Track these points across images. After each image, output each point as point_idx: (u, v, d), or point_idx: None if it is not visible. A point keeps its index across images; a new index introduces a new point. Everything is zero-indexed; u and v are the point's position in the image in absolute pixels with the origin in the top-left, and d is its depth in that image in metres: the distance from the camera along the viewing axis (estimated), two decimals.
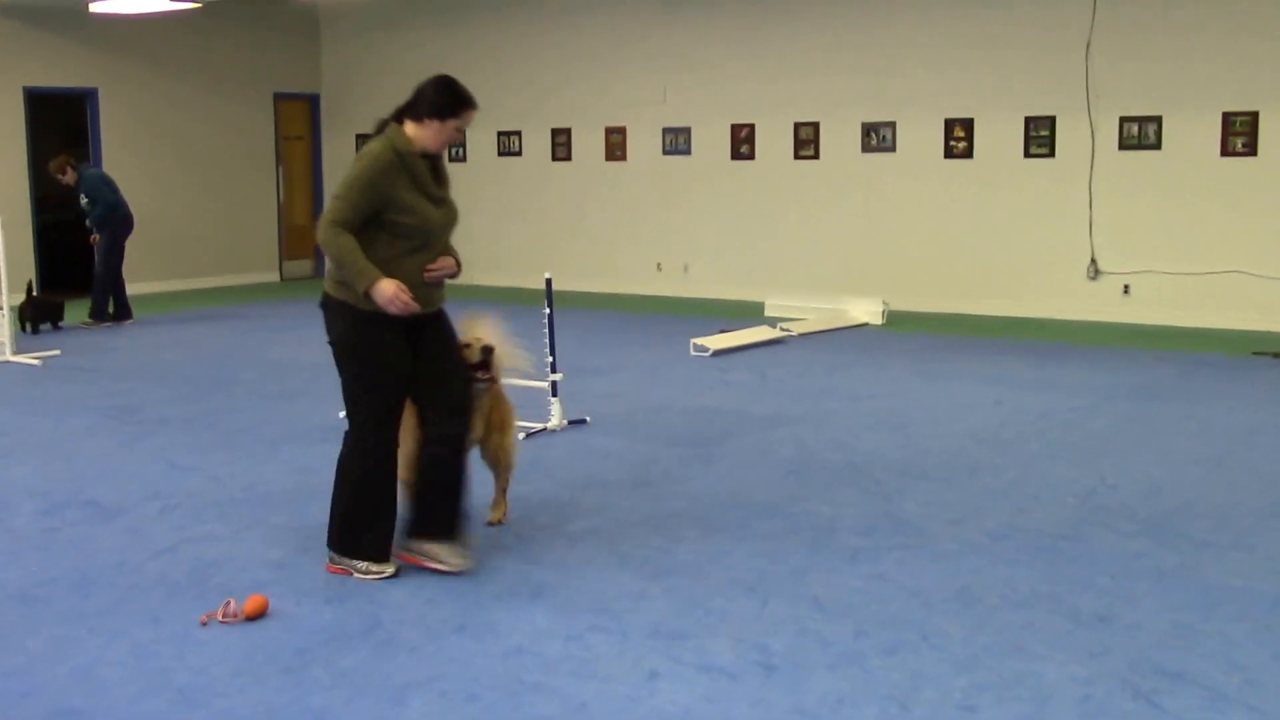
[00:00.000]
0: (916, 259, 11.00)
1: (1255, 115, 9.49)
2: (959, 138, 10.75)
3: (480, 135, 13.52)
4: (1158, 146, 9.90)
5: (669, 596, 3.97)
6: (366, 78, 14.23)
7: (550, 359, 6.37)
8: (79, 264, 12.89)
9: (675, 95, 12.12)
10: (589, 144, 12.73)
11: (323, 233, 4.04)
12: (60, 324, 10.49)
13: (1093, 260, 10.27)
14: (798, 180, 11.58)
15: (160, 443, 6.26)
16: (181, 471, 5.67)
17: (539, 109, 13.04)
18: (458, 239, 4.42)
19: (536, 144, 13.14)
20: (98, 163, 12.81)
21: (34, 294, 10.79)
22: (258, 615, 3.82)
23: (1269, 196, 9.50)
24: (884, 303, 10.41)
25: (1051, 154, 10.35)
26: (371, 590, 4.07)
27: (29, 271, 11.97)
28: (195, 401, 7.33)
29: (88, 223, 10.68)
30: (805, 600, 3.93)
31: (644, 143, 12.36)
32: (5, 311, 8.94)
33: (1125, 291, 10.17)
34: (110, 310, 10.73)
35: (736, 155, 11.89)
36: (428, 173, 4.13)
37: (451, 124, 4.14)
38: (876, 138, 11.15)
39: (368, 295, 3.98)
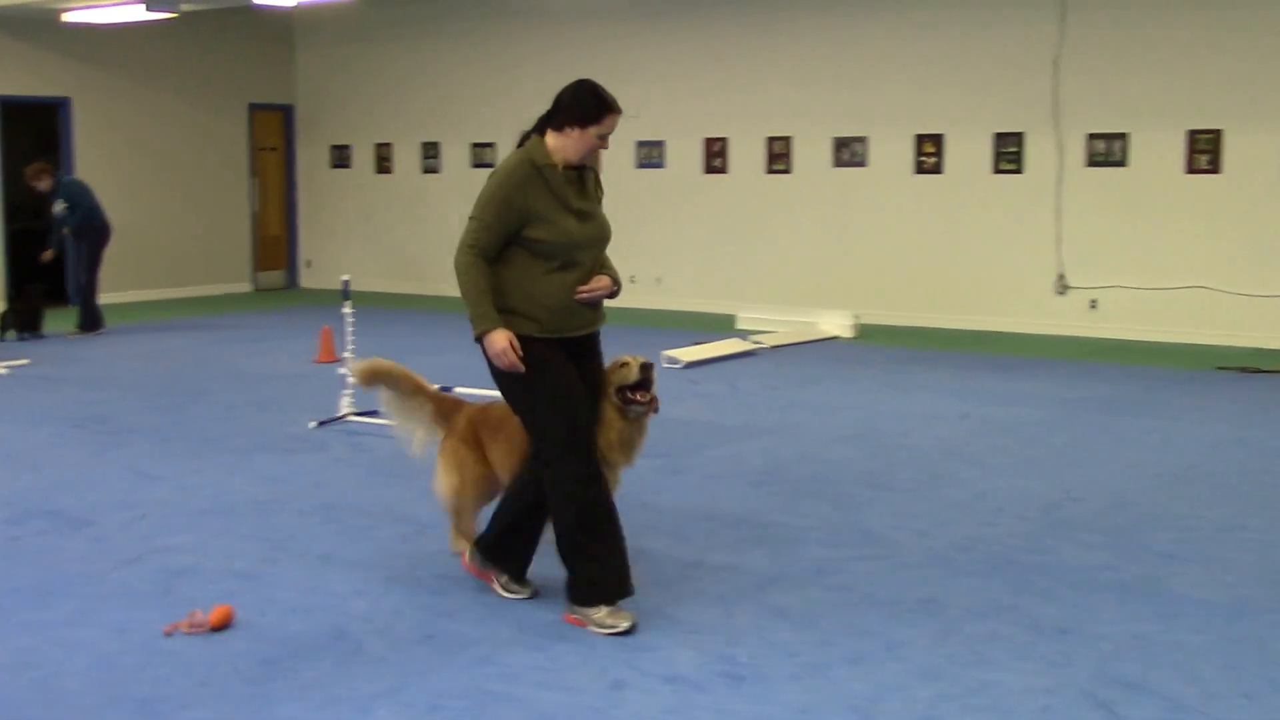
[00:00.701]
0: (887, 273, 11.09)
1: (1219, 133, 9.64)
2: (929, 153, 10.86)
3: (454, 147, 13.53)
4: (1124, 163, 10.04)
5: (634, 607, 3.96)
6: (342, 89, 14.23)
7: None
8: (49, 273, 12.83)
9: (649, 109, 12.17)
10: None
11: (458, 257, 3.79)
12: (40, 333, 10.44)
13: (1060, 275, 10.38)
14: (770, 194, 11.66)
15: (128, 453, 6.22)
16: (149, 481, 5.64)
17: (514, 121, 12.97)
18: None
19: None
20: (70, 172, 12.74)
21: (30, 298, 10.61)
22: (223, 626, 3.80)
23: (1232, 213, 9.65)
24: (854, 316, 10.48)
25: (1020, 170, 10.47)
26: (338, 601, 4.07)
27: None
28: (165, 411, 7.28)
29: (63, 232, 10.54)
30: (771, 611, 3.95)
31: (618, 156, 12.38)
32: None
33: (1092, 306, 10.29)
34: (81, 320, 10.66)
35: (710, 169, 11.96)
36: (570, 185, 3.82)
37: (593, 131, 3.79)
38: (848, 152, 11.24)
39: (478, 340, 3.76)
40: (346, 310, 6.97)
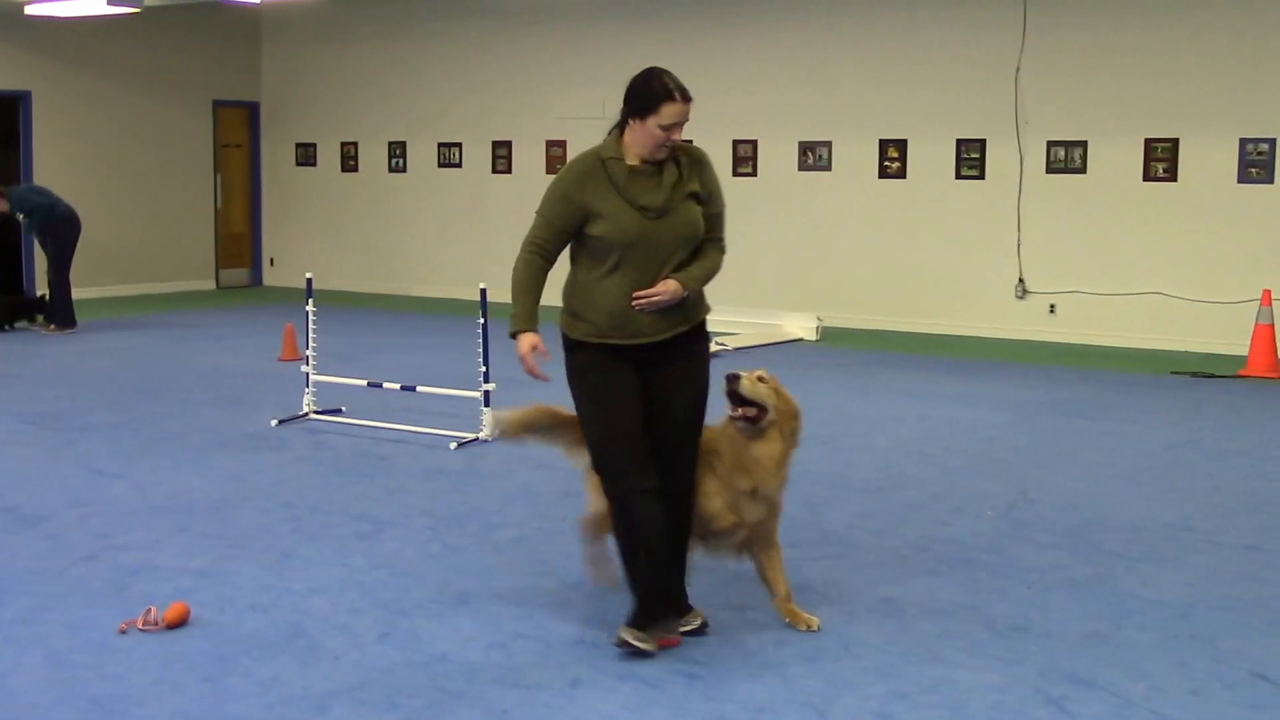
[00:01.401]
0: (850, 276, 11.17)
1: (1175, 142, 9.80)
2: (893, 158, 10.95)
3: (421, 147, 13.49)
4: (1083, 170, 10.17)
5: (594, 605, 3.99)
6: (308, 87, 14.14)
7: (484, 369, 6.38)
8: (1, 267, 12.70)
9: (613, 109, 12.16)
10: (530, 157, 12.75)
11: (519, 252, 3.64)
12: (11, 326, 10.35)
13: (1020, 280, 10.51)
14: (735, 196, 11.47)
15: (84, 450, 6.15)
16: (105, 479, 5.58)
17: (481, 122, 13.03)
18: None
19: (477, 156, 13.13)
20: (29, 167, 12.57)
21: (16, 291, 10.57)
22: (179, 623, 3.78)
23: (1188, 221, 9.80)
24: (818, 318, 10.55)
25: (982, 176, 10.59)
26: (295, 599, 4.05)
27: None
28: (123, 409, 7.21)
29: (35, 238, 10.41)
30: (729, 609, 3.97)
31: None
32: None
33: (1051, 311, 10.42)
34: (39, 316, 10.49)
35: None
36: (644, 180, 3.55)
37: (652, 123, 3.50)
38: (813, 156, 11.32)
39: (513, 338, 3.62)
40: (309, 309, 6.93)
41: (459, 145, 13.23)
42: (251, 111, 14.47)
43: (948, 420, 7.02)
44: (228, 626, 3.80)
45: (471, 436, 6.34)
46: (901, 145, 10.90)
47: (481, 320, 6.43)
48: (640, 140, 3.56)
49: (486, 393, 6.37)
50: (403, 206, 13.60)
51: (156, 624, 3.76)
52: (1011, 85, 10.31)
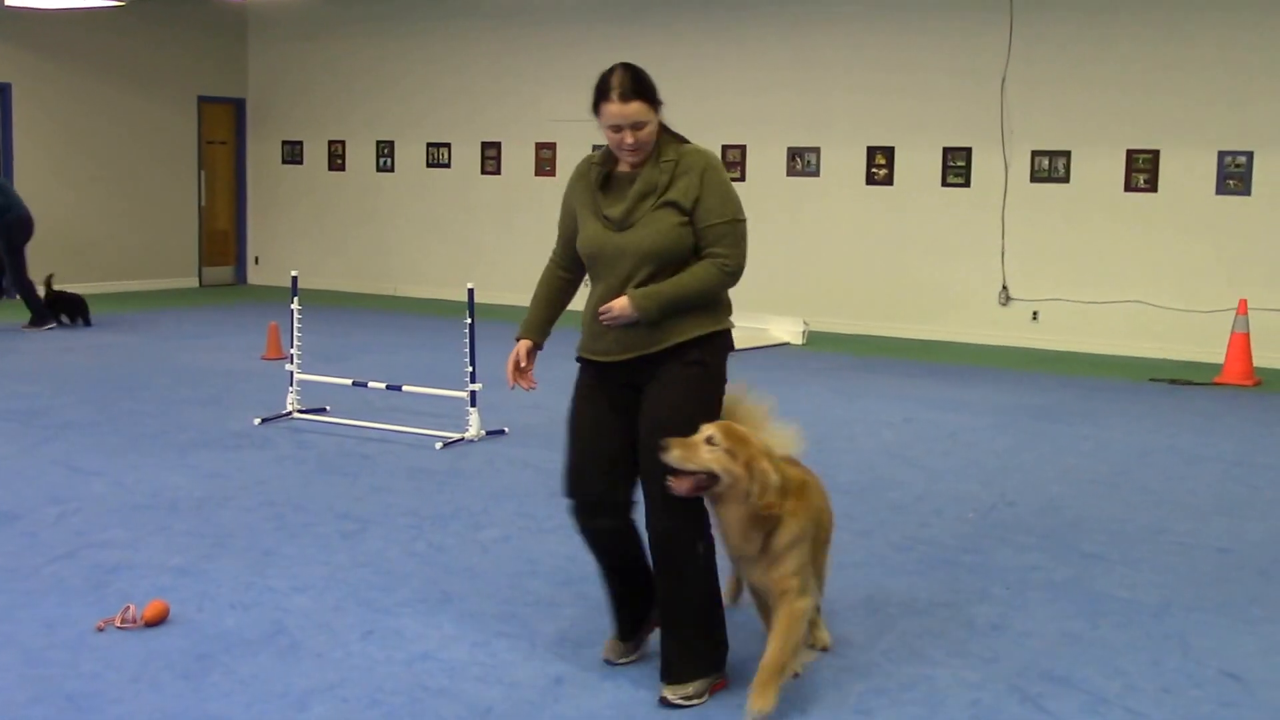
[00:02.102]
0: (837, 281, 11.24)
1: (1156, 153, 9.91)
2: (880, 165, 11.02)
3: (409, 147, 13.49)
4: (1066, 180, 10.27)
5: (578, 604, 4.00)
6: (295, 84, 14.12)
7: (470, 369, 6.39)
8: None
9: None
10: (519, 158, 12.77)
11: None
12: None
13: (1004, 287, 10.59)
14: None
15: (63, 447, 6.10)
16: (84, 476, 5.53)
17: (469, 122, 13.05)
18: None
19: (465, 156, 13.14)
20: (8, 160, 12.50)
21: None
22: (158, 621, 3.75)
23: (1167, 231, 9.92)
24: (805, 323, 10.61)
25: (967, 184, 10.67)
26: (277, 597, 4.04)
27: None
28: (103, 406, 7.15)
29: None
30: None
31: (573, 159, 12.38)
32: None
33: (1034, 318, 10.51)
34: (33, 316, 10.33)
35: None
36: (616, 188, 3.33)
37: (601, 123, 3.27)
38: (801, 162, 11.38)
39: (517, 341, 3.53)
40: (294, 307, 6.92)
41: (448, 145, 13.24)
42: (237, 108, 14.44)
43: (931, 424, 7.08)
44: (207, 624, 3.78)
45: (457, 436, 6.34)
46: (889, 152, 10.98)
47: (468, 320, 6.44)
48: (608, 142, 3.32)
49: (473, 393, 6.39)
50: (390, 206, 13.59)
51: (135, 622, 3.72)
52: (997, 95, 10.40)
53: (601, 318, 3.27)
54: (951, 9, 10.58)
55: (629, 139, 3.25)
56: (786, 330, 10.54)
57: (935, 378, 8.79)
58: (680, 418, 3.19)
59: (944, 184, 10.77)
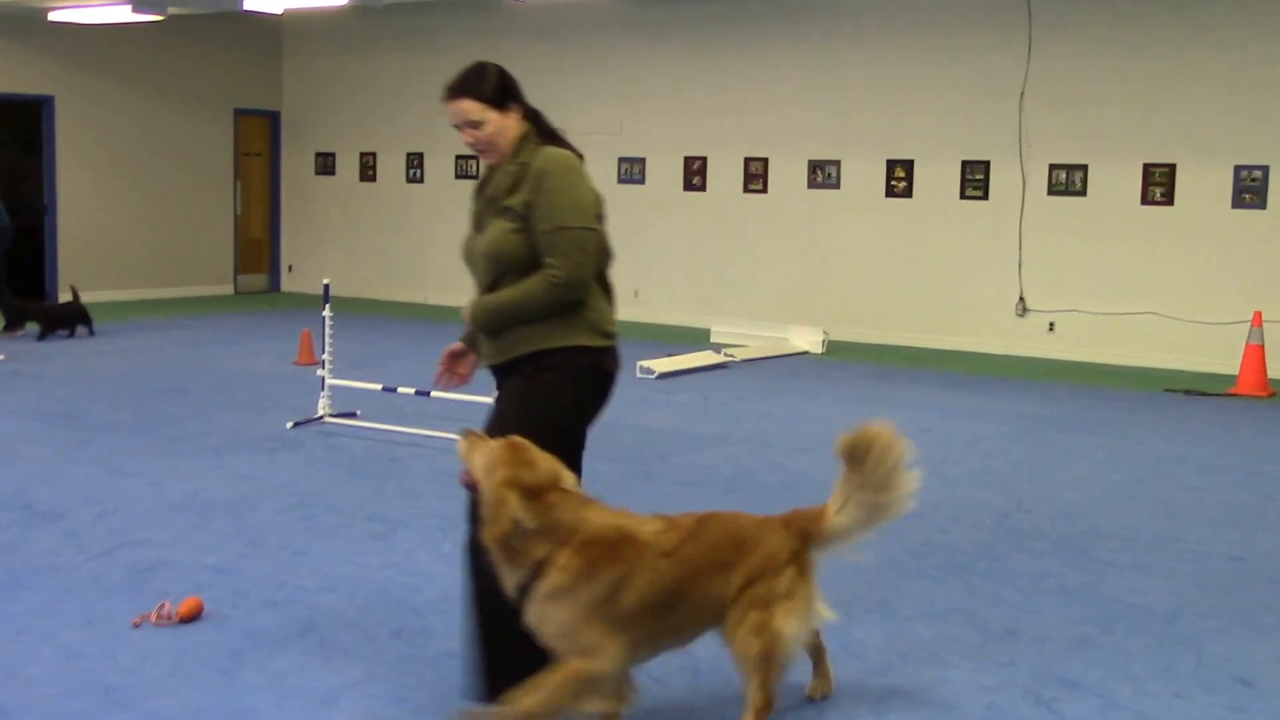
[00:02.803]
0: (856, 291, 11.35)
1: (1173, 167, 9.99)
2: (900, 178, 11.14)
3: (439, 159, 13.66)
4: (1083, 193, 10.36)
5: None
6: (328, 97, 14.30)
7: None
8: (23, 270, 12.76)
9: (631, 126, 12.39)
10: None
11: None
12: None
13: (1021, 298, 10.68)
14: (746, 212, 11.89)
15: (102, 449, 6.16)
16: (122, 477, 5.61)
17: None
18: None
19: None
20: (51, 171, 12.72)
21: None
22: (192, 618, 3.79)
23: (1183, 243, 9.99)
24: (824, 332, 10.72)
25: (985, 196, 10.77)
26: (308, 596, 4.09)
27: None
28: (141, 409, 7.23)
29: None
30: None
31: (600, 171, 12.56)
32: None
33: (1050, 329, 10.59)
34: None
35: (689, 186, 12.18)
36: (487, 188, 3.25)
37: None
38: (822, 174, 11.50)
39: None
40: (326, 314, 7.03)
41: (474, 158, 13.37)
42: (272, 120, 14.64)
43: (948, 432, 7.17)
44: (240, 621, 3.83)
45: None
46: (908, 165, 11.09)
47: None
48: None
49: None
50: (420, 216, 13.75)
51: (170, 618, 3.76)
52: (1016, 110, 10.50)
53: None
54: (971, 25, 10.70)
55: (467, 138, 3.17)
56: (806, 339, 10.65)
57: (952, 387, 8.87)
58: (505, 430, 3.00)
59: (962, 197, 10.87)
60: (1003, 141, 10.59)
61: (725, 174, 11.99)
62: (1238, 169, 9.74)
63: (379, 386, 7.24)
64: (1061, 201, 10.45)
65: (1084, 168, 10.34)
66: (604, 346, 3.20)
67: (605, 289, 3.26)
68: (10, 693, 3.31)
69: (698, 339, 10.91)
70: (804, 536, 3.21)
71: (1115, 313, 10.28)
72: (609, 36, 12.41)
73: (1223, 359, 9.63)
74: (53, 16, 11.68)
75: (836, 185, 11.42)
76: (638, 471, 6.06)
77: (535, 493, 2.87)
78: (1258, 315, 9.00)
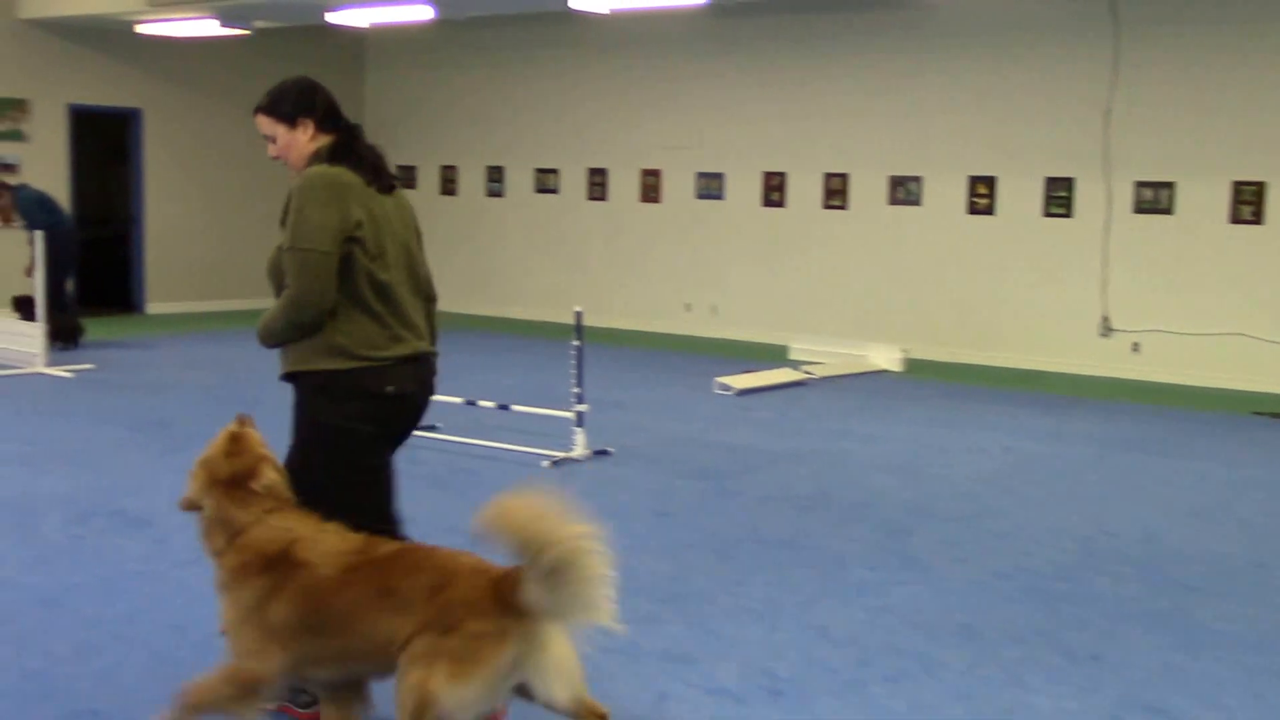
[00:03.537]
0: (936, 309, 11.26)
1: (1262, 185, 9.75)
2: (981, 194, 11.03)
3: (518, 172, 13.84)
4: (1170, 211, 10.16)
5: (681, 621, 4.12)
6: (409, 110, 14.57)
7: (577, 390, 6.60)
8: (112, 280, 13.12)
9: (710, 141, 12.45)
10: (625, 184, 13.03)
11: None
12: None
13: (1105, 318, 10.50)
14: (826, 229, 11.87)
15: (190, 457, 6.16)
16: None
17: (577, 149, 13.34)
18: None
19: (573, 182, 13.44)
20: (139, 182, 13.10)
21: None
22: None
23: (1273, 263, 9.74)
24: (903, 350, 10.66)
25: (1069, 214, 10.62)
26: None
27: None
28: (227, 418, 7.37)
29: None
30: (813, 629, 4.10)
31: (678, 186, 12.68)
32: (40, 324, 9.06)
33: (1135, 349, 10.39)
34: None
35: (768, 202, 12.18)
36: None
37: None
38: (903, 191, 11.43)
39: None
40: None
41: (555, 171, 13.57)
42: None
43: (1030, 454, 7.10)
44: None
45: (564, 455, 6.57)
46: (990, 182, 10.98)
47: (576, 342, 6.63)
48: None
49: (579, 413, 6.61)
50: (499, 229, 13.95)
51: None
52: (1101, 125, 10.35)
53: None
54: (1055, 40, 10.57)
55: (272, 151, 3.35)
56: (885, 357, 10.60)
57: (1034, 407, 8.77)
58: (294, 440, 3.26)
59: (1045, 214, 10.73)
60: (1087, 158, 10.44)
61: (805, 190, 11.98)
62: None
63: (460, 400, 7.33)
64: (1147, 219, 10.26)
65: (1170, 185, 10.15)
66: (360, 368, 3.20)
67: (372, 312, 3.23)
68: (107, 697, 3.42)
69: (776, 356, 10.91)
70: (513, 596, 2.73)
71: (1202, 333, 10.06)
72: (683, 51, 12.49)
73: None
74: (141, 30, 11.94)
75: (918, 202, 11.36)
76: (715, 489, 6.10)
77: (227, 482, 3.00)
78: None
